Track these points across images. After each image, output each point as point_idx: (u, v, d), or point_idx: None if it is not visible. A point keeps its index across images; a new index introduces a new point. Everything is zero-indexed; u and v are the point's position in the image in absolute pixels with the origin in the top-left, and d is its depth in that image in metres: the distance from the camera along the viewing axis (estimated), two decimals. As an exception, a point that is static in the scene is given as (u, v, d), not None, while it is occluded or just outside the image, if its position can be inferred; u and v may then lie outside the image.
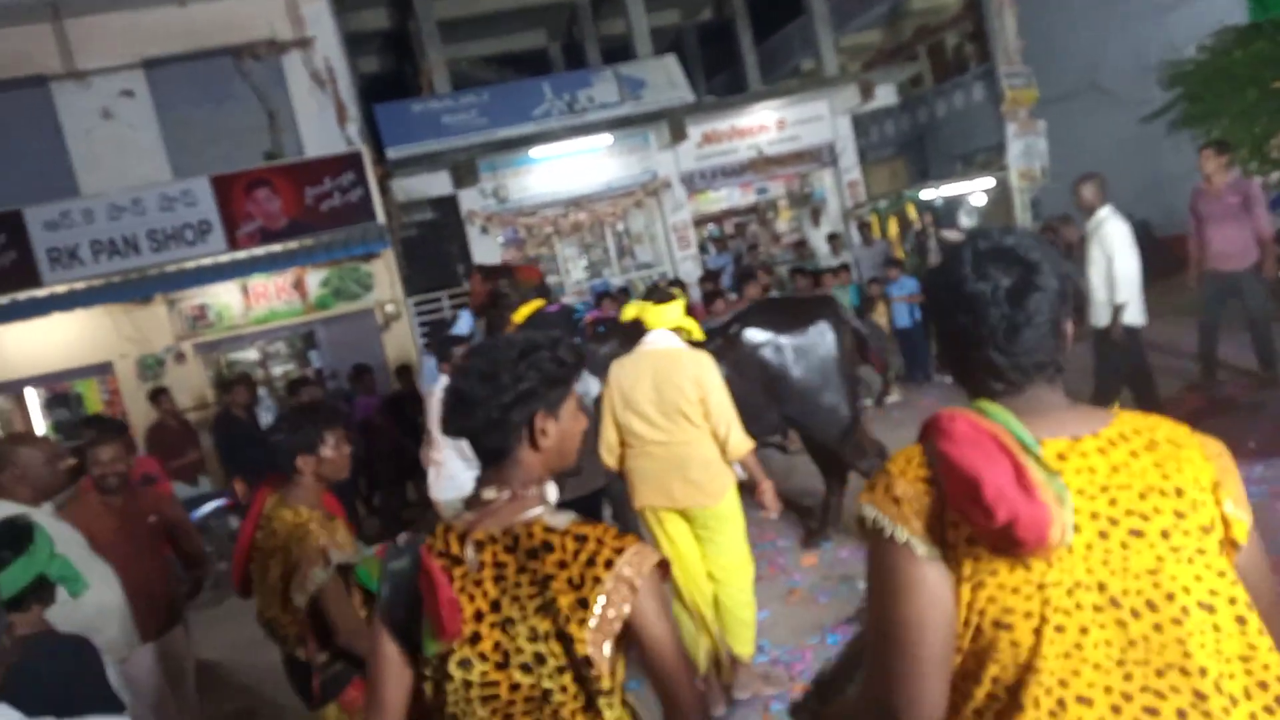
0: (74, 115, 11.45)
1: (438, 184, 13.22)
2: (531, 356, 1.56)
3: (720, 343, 5.09)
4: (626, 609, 1.47)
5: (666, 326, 3.85)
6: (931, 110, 17.81)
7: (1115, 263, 5.58)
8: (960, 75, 16.77)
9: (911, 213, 12.85)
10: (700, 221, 14.93)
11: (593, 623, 1.46)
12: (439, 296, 13.15)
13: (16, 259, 10.84)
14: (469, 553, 1.52)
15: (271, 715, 4.79)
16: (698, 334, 4.05)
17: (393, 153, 12.30)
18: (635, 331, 3.98)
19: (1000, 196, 12.88)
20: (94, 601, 3.01)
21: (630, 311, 4.01)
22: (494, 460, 1.59)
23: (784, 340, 5.20)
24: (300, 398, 7.98)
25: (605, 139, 13.45)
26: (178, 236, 11.32)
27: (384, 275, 12.37)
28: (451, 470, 4.71)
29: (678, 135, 13.45)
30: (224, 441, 8.10)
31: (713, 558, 3.79)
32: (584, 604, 1.46)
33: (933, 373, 9.56)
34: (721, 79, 21.53)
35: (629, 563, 1.49)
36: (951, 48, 17.99)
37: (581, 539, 1.51)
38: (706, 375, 3.67)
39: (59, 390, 12.43)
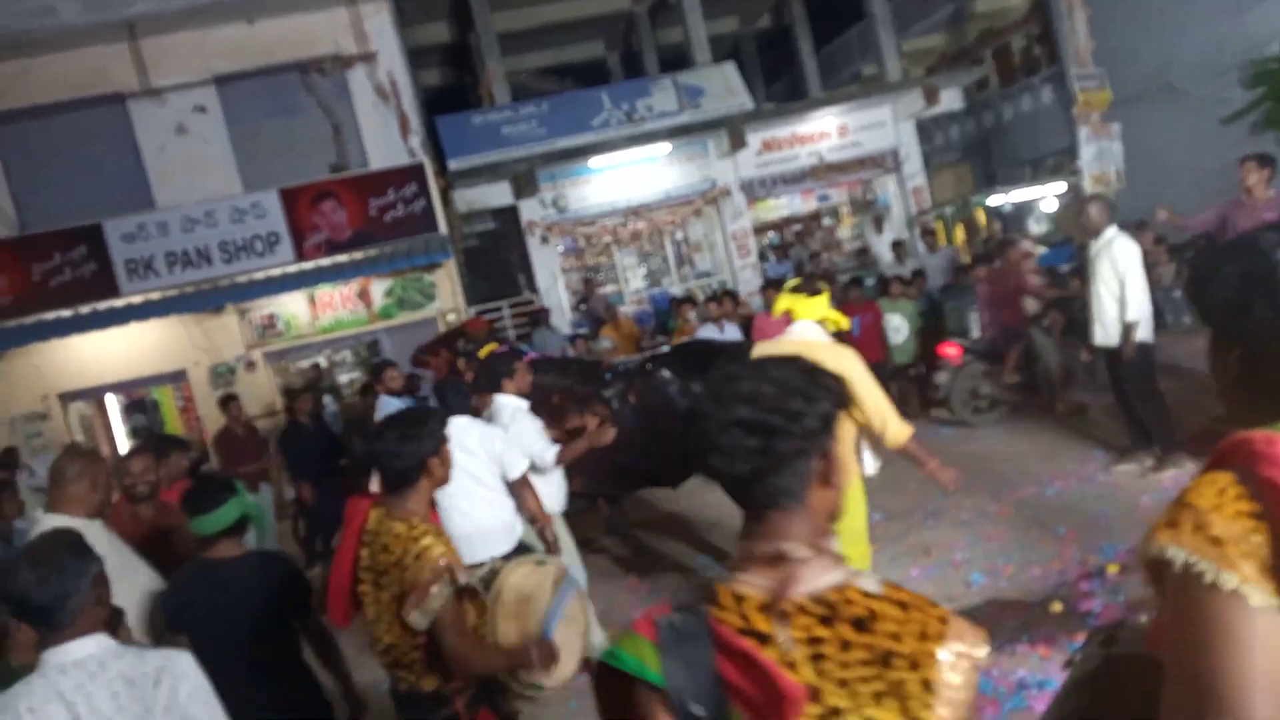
0: (149, 131, 11.85)
1: (498, 194, 13.36)
2: (822, 380, 1.31)
3: (632, 379, 5.60)
4: (969, 692, 1.24)
5: (813, 319, 4.00)
6: (998, 114, 17.40)
7: (1127, 282, 5.65)
8: (1028, 78, 16.35)
9: (981, 219, 12.54)
10: (760, 229, 14.81)
11: (944, 711, 1.21)
12: (499, 306, 13.26)
13: (97, 270, 11.24)
14: (782, 632, 1.23)
15: None
16: (844, 324, 4.17)
17: (454, 164, 12.46)
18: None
19: (1072, 202, 12.51)
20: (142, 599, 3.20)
21: (782, 303, 4.13)
22: (774, 504, 1.28)
23: (691, 385, 5.59)
24: (384, 382, 7.85)
25: (664, 148, 13.43)
26: (248, 248, 11.62)
27: (446, 285, 12.52)
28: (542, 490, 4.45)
29: (737, 143, 13.36)
30: (290, 448, 8.25)
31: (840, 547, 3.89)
32: (928, 686, 1.22)
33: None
34: (781, 85, 21.37)
35: (961, 634, 1.27)
36: (1018, 50, 17.55)
37: (905, 606, 1.28)
38: (849, 367, 3.73)
39: (136, 397, 12.86)
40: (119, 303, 11.21)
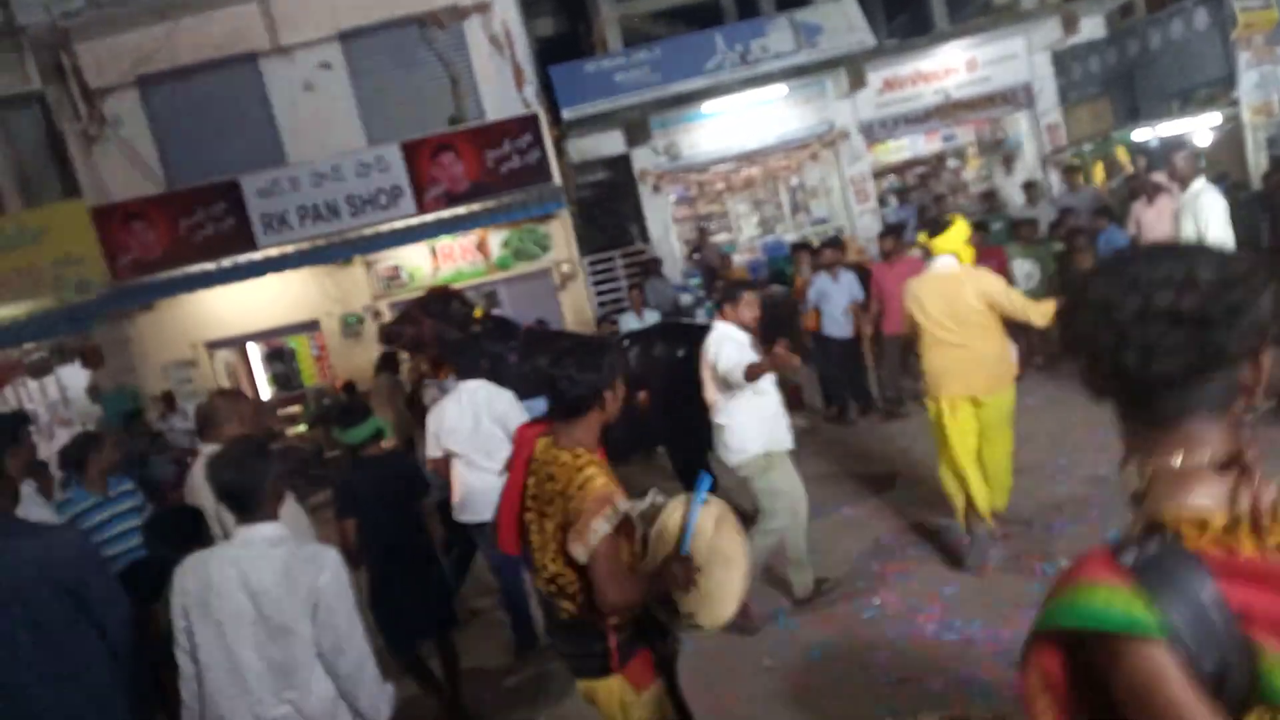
0: (280, 88, 12.32)
1: (611, 143, 13.31)
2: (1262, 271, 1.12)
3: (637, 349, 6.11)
4: None
5: (950, 250, 4.64)
6: (1144, 42, 16.02)
7: (1209, 236, 5.45)
8: (1180, 1, 14.98)
9: (1122, 157, 11.69)
10: (880, 173, 14.27)
11: None
12: (612, 256, 13.31)
13: (235, 224, 11.86)
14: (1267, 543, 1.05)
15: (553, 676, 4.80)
16: (967, 257, 4.70)
17: (567, 113, 12.46)
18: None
19: (1230, 136, 11.48)
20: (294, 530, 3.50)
21: (920, 239, 5.01)
22: (1196, 412, 1.11)
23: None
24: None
25: (780, 90, 13.04)
26: (373, 201, 12.01)
27: (560, 235, 12.63)
28: (742, 426, 4.42)
29: (856, 82, 12.84)
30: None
31: (992, 438, 4.66)
32: None
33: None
34: (904, 19, 20.28)
35: None
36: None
37: None
38: (986, 285, 4.52)
39: (275, 345, 13.61)
40: (256, 255, 11.82)
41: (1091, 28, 13.16)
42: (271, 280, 11.87)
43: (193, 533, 3.13)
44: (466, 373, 4.97)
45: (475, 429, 4.71)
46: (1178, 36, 15.03)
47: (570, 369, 2.52)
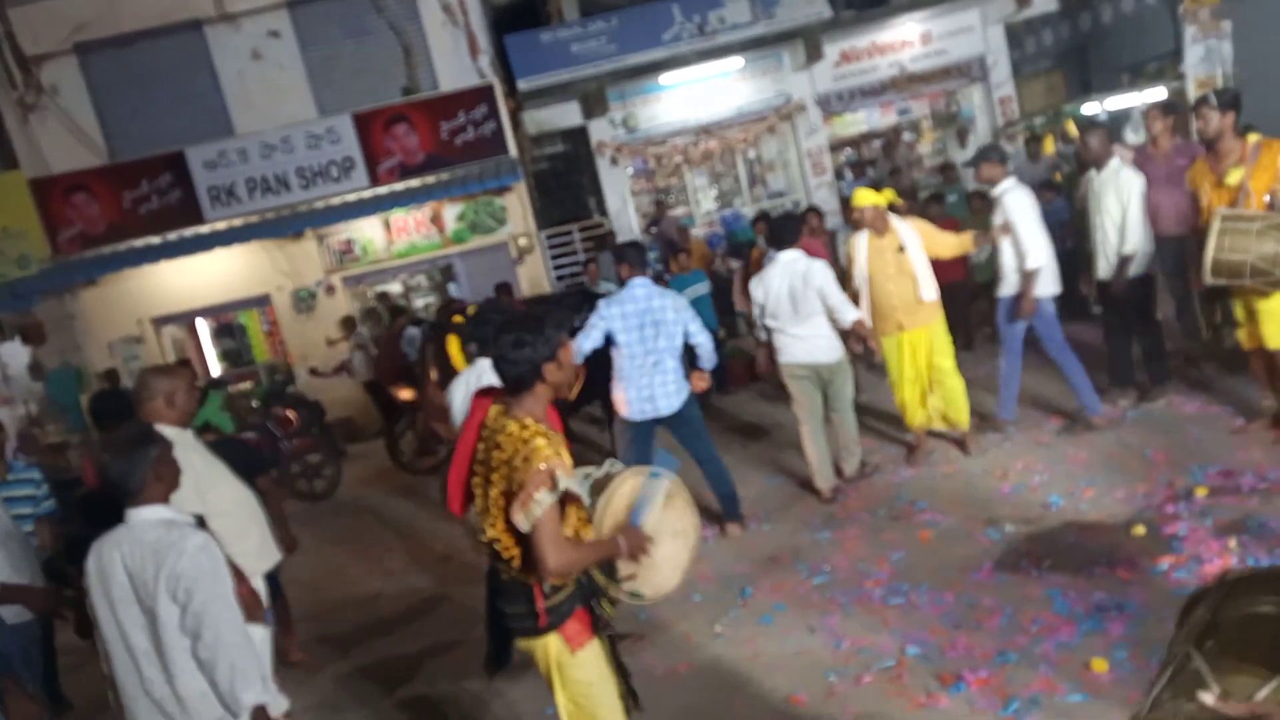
0: (226, 57, 11.99)
1: (568, 115, 13.16)
2: None
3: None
4: None
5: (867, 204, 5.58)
6: (1096, 15, 16.23)
7: (1130, 213, 5.60)
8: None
9: (1071, 129, 11.83)
10: (836, 146, 14.29)
11: None
12: (570, 230, 13.21)
13: (182, 197, 11.58)
14: None
15: (473, 651, 4.67)
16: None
17: (523, 84, 12.29)
18: None
19: (1106, 131, 11.65)
20: (237, 512, 3.60)
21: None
22: None
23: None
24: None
25: (737, 62, 12.98)
26: (324, 173, 11.78)
27: (517, 208, 12.51)
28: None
29: (813, 55, 12.82)
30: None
31: (938, 363, 5.65)
32: None
33: (1090, 302, 8.88)
34: (861, -8, 20.30)
35: None
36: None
37: None
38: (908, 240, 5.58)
39: (225, 320, 13.35)
40: (204, 229, 11.55)
41: (1044, 0, 13.25)
42: (220, 254, 11.62)
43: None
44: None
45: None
46: (1128, 10, 15.25)
47: (505, 348, 2.52)
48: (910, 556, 4.58)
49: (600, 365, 5.73)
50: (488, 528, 2.59)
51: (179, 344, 12.91)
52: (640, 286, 5.14)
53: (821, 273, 5.44)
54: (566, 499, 2.47)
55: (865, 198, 5.62)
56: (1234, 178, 4.68)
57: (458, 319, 5.85)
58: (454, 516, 2.95)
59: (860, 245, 5.71)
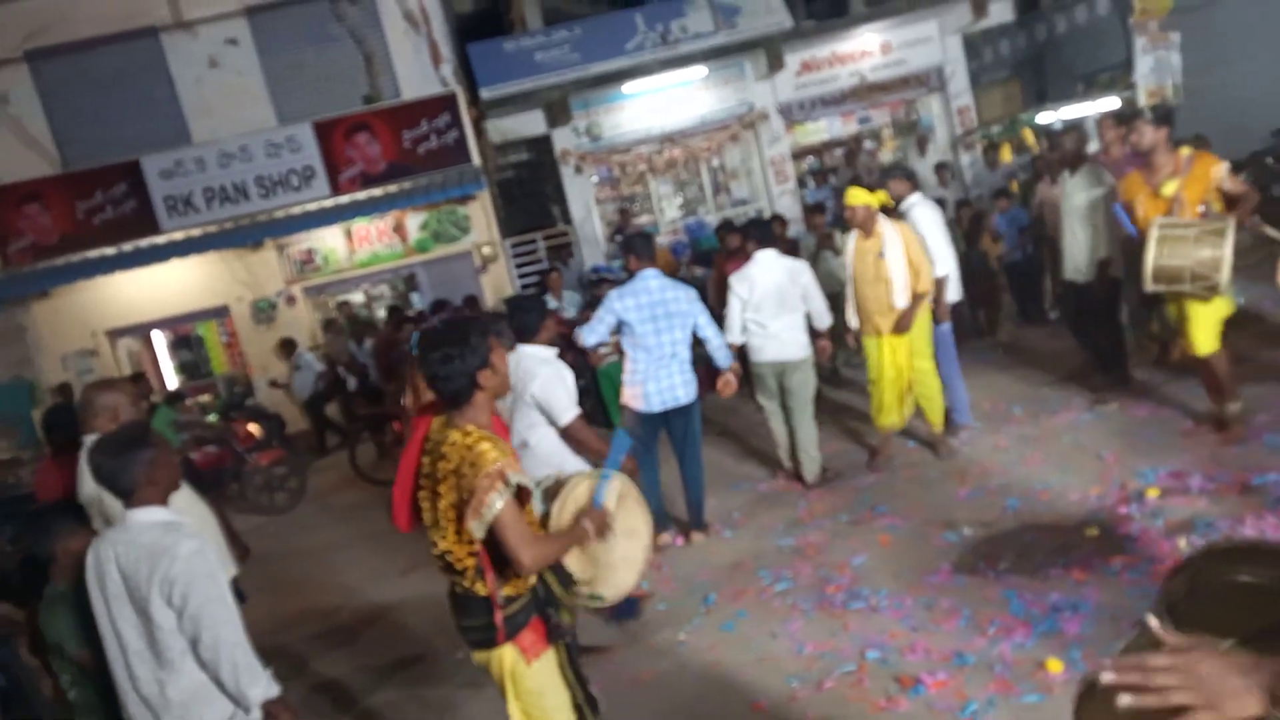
0: (183, 65, 11.83)
1: (531, 123, 13.15)
2: None
3: None
4: None
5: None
6: (1051, 26, 16.53)
7: (1103, 216, 5.71)
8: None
9: (1028, 138, 12.06)
10: (799, 154, 14.42)
11: None
12: (534, 238, 13.19)
13: (137, 207, 11.38)
14: None
15: (434, 663, 4.64)
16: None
17: (486, 93, 12.26)
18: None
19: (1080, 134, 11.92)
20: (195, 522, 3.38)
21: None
22: None
23: None
24: (402, 333, 8.21)
25: (699, 71, 13.06)
26: (284, 182, 11.65)
27: (480, 217, 12.46)
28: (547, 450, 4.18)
29: (775, 64, 12.94)
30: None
31: (917, 364, 5.68)
32: None
33: (1047, 310, 9.05)
34: (821, 2, 20.53)
35: None
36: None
37: None
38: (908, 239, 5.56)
39: (182, 332, 13.13)
40: (160, 239, 11.36)
41: (1000, 11, 13.50)
42: (176, 265, 11.44)
43: (73, 527, 3.02)
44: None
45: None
46: (1082, 21, 15.55)
47: (435, 366, 2.51)
48: (871, 561, 4.62)
49: None
50: (438, 541, 2.57)
51: (135, 356, 12.68)
52: (653, 278, 5.11)
53: (807, 272, 5.73)
54: (522, 497, 2.47)
55: (858, 197, 5.59)
56: (1169, 189, 4.77)
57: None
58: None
59: (849, 245, 5.80)
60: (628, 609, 4.52)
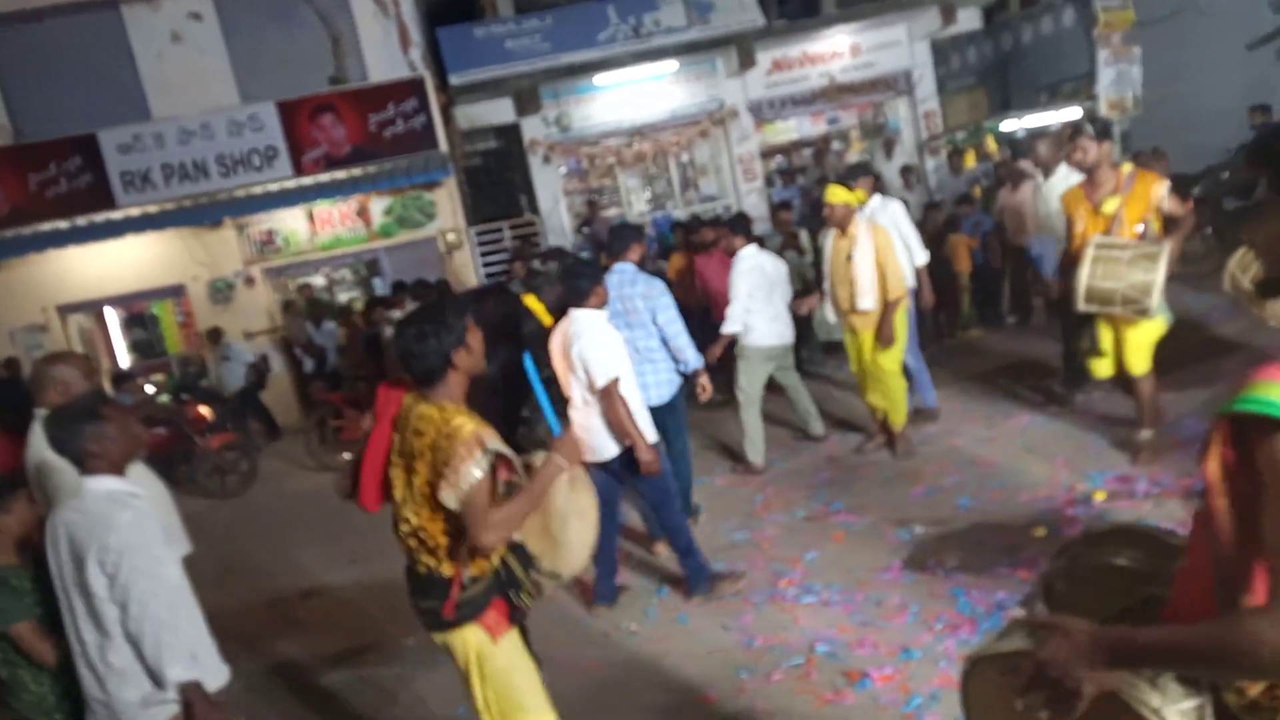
0: (144, 38, 11.55)
1: (500, 111, 13.06)
2: None
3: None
4: None
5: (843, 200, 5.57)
6: (1017, 36, 16.80)
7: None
8: (1050, -2, 15.73)
9: (991, 145, 12.24)
10: (768, 153, 14.49)
11: None
12: (500, 227, 13.11)
13: (92, 181, 11.11)
14: None
15: (386, 649, 4.61)
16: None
17: (455, 79, 12.14)
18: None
19: (1056, 138, 12.14)
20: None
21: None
22: None
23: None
24: (374, 318, 8.14)
25: (671, 65, 13.06)
26: (245, 161, 11.44)
27: (446, 204, 12.35)
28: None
29: (746, 62, 12.97)
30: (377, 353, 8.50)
31: (880, 362, 5.65)
32: None
33: (1005, 315, 9.20)
34: (795, 2, 20.63)
35: None
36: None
37: None
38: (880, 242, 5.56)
39: (136, 310, 12.86)
40: (116, 215, 11.10)
41: (968, 19, 13.67)
42: (132, 241, 11.19)
43: (7, 504, 2.95)
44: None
45: None
46: (1047, 32, 15.82)
47: (410, 341, 2.53)
48: (824, 556, 4.66)
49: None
50: (410, 517, 2.57)
51: (86, 333, 12.39)
52: (616, 273, 5.04)
53: (784, 267, 6.19)
54: (496, 466, 2.48)
55: (837, 195, 5.59)
56: (1110, 206, 4.71)
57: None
58: (368, 513, 2.89)
59: (827, 242, 5.85)
60: (607, 593, 4.55)
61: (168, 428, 8.65)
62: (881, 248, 5.52)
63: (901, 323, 5.73)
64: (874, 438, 6.08)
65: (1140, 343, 4.75)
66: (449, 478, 2.39)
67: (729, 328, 5.92)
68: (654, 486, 4.39)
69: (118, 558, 2.47)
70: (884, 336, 5.57)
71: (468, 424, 2.45)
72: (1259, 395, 1.18)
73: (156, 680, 2.53)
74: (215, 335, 10.99)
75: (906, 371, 6.01)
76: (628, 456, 4.29)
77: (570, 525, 2.75)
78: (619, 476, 4.42)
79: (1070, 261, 4.88)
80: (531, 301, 5.92)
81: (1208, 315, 7.27)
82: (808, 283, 7.93)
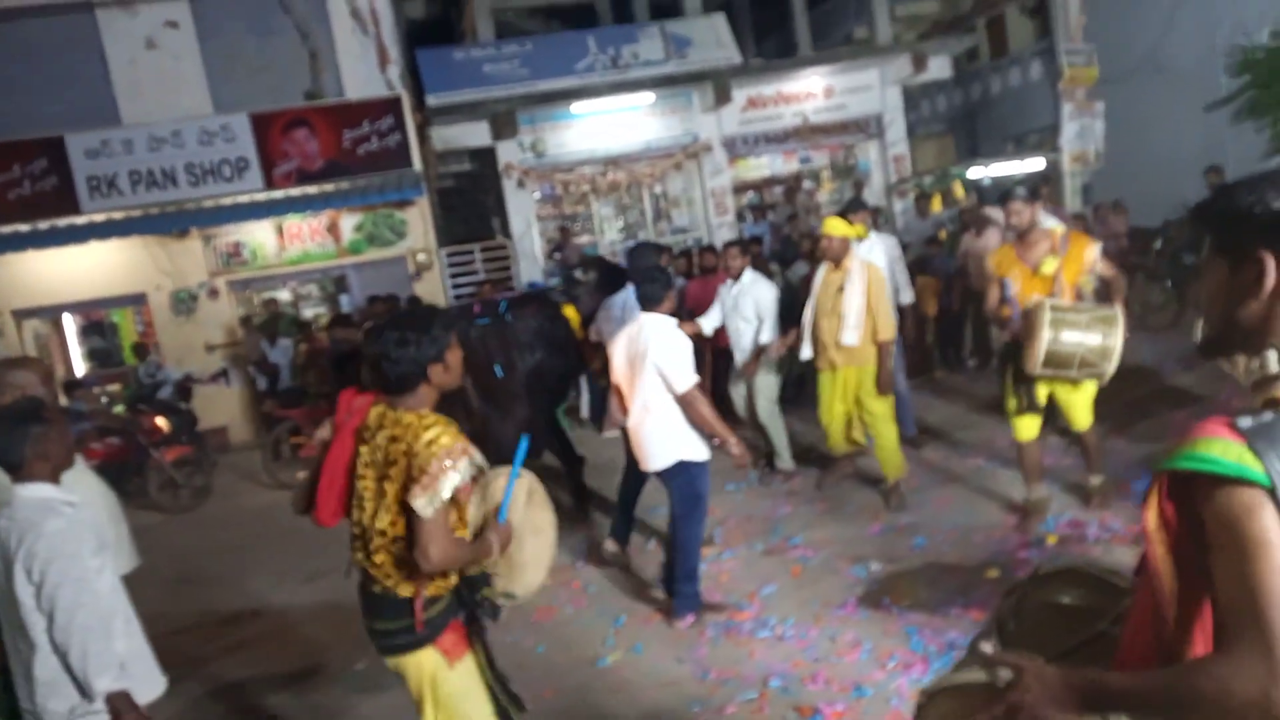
0: (119, 43, 11.45)
1: (476, 134, 13.08)
2: None
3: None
4: None
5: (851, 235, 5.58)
6: (986, 86, 17.29)
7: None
8: (1018, 50, 16.23)
9: (958, 191, 12.51)
10: (740, 189, 14.66)
11: None
12: (471, 249, 13.09)
13: (57, 185, 10.94)
14: None
15: (333, 672, 4.52)
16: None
17: (433, 100, 12.17)
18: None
19: (1052, 179, 12.48)
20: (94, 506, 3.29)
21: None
22: None
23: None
24: (317, 339, 8.08)
25: (648, 97, 13.20)
26: (215, 172, 11.34)
27: (418, 223, 12.33)
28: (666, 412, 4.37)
29: (722, 97, 13.15)
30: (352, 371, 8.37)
31: (868, 405, 5.54)
32: None
33: (966, 358, 9.35)
34: (771, 42, 21.00)
35: None
36: (1010, 22, 17.39)
37: None
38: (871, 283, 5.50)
39: (95, 318, 12.62)
40: (79, 220, 10.93)
41: (939, 67, 13.99)
42: (95, 248, 11.01)
43: None
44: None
45: None
46: (1015, 84, 16.30)
47: (389, 346, 2.48)
48: (781, 590, 4.68)
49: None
50: (386, 529, 2.49)
51: (42, 339, 12.13)
52: (618, 307, 5.53)
53: None
54: (460, 497, 2.46)
55: (836, 228, 5.52)
56: (1050, 267, 4.67)
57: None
58: (322, 530, 2.84)
59: (818, 275, 5.72)
60: (693, 604, 4.48)
61: (121, 438, 8.48)
62: (874, 288, 5.44)
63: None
64: (834, 472, 6.07)
65: (1084, 402, 4.76)
66: (426, 484, 2.33)
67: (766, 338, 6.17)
68: (687, 497, 4.44)
69: (44, 565, 2.43)
70: (883, 384, 5.47)
71: (447, 432, 2.41)
72: (1200, 452, 1.20)
73: (84, 691, 2.48)
74: (142, 351, 10.81)
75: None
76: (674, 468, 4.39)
77: (526, 544, 2.71)
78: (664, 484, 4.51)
79: (1000, 321, 4.86)
80: (570, 311, 6.05)
81: (1164, 365, 7.46)
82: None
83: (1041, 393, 4.78)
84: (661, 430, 4.38)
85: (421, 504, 2.34)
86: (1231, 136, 10.72)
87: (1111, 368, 4.44)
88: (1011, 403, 4.86)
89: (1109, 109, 12.22)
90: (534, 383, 6.09)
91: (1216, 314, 1.36)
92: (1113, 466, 5.43)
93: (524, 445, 2.79)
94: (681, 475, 4.38)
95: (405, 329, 2.50)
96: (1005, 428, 6.57)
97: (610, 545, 5.30)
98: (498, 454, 6.46)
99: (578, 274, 9.68)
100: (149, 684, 2.79)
